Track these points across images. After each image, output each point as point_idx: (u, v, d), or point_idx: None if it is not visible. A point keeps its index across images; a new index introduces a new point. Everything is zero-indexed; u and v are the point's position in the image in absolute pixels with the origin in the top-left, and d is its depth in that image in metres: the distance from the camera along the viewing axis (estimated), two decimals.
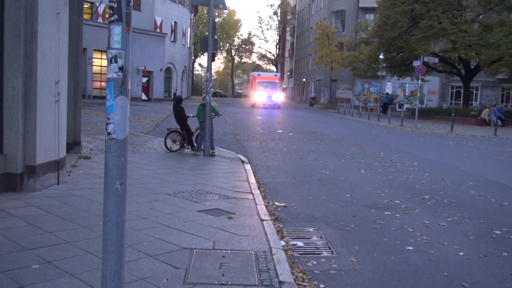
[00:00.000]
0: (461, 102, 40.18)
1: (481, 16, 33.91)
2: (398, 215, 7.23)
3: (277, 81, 47.36)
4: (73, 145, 10.49)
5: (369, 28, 43.07)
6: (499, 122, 29.24)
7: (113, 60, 2.28)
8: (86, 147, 12.02)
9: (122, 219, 2.39)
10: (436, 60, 32.53)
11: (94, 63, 33.97)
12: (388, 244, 5.86)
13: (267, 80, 45.90)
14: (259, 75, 48.72)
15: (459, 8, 33.23)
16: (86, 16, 31.19)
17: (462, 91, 40.18)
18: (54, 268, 4.33)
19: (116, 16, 2.25)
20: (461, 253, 5.62)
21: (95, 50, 33.16)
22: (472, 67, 35.58)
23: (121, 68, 2.29)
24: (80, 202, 6.77)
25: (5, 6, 6.81)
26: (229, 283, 4.21)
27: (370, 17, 48.36)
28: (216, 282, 4.21)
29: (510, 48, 29.14)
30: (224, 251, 5.02)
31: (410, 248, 5.74)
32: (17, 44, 6.86)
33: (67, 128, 8.61)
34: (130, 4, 2.27)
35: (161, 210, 6.60)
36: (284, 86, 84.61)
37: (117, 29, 2.27)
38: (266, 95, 43.86)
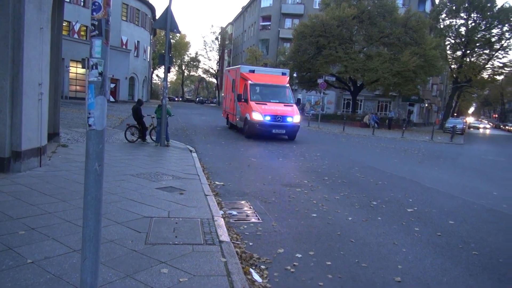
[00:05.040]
0: (350, 110, 41.88)
1: (365, 49, 35.39)
2: (306, 191, 7.44)
3: (286, 84, 18.17)
4: (53, 136, 9.83)
5: (286, 53, 43.71)
6: (376, 125, 30.87)
7: (94, 67, 2.16)
8: (64, 137, 11.31)
9: (100, 193, 2.28)
10: (334, 79, 33.73)
11: (70, 71, 32.05)
12: (299, 213, 6.02)
13: (269, 83, 17.60)
14: (252, 71, 18.01)
15: (350, 42, 34.52)
16: (64, 32, 29.27)
17: (351, 102, 41.82)
18: (38, 234, 4.06)
19: (97, 32, 2.13)
20: (350, 218, 5.88)
21: (71, 60, 31.18)
22: (358, 85, 37.12)
23: (100, 74, 2.18)
24: (59, 181, 6.38)
25: None
26: (181, 243, 4.15)
27: (287, 45, 49.04)
28: (170, 243, 4.13)
29: (385, 73, 30.70)
30: (177, 219, 4.93)
31: (315, 215, 5.93)
32: (6, 51, 6.33)
33: (48, 122, 8.06)
34: (109, 22, 2.16)
35: (126, 187, 6.36)
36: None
37: (97, 42, 2.15)
38: (272, 114, 15.92)
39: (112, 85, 36.69)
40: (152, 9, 47.59)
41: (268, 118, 15.51)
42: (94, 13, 2.11)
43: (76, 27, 33.23)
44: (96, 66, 2.16)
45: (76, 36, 33.25)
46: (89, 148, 2.25)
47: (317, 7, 46.81)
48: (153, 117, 12.26)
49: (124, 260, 3.62)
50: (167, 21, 11.51)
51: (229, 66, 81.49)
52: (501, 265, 4.46)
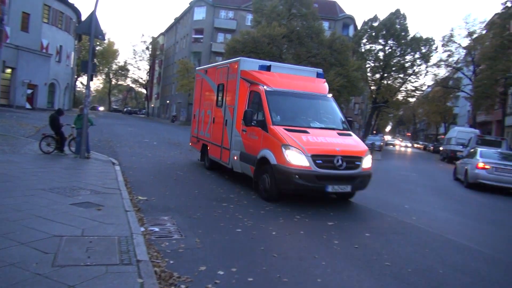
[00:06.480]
0: None
1: None
2: (232, 206, 7.36)
3: (326, 94, 9.57)
4: None
5: None
6: None
7: None
8: None
9: None
10: None
11: None
12: (224, 228, 5.93)
13: (300, 91, 9.04)
14: (267, 69, 9.08)
15: (280, 60, 35.58)
16: None
17: None
18: None
19: None
20: (274, 233, 5.92)
21: None
22: None
23: None
24: None
25: None
26: (94, 263, 3.85)
27: (219, 59, 49.33)
28: (82, 264, 3.81)
29: None
30: (91, 237, 4.58)
31: (239, 230, 5.88)
32: None
33: None
34: (3, 22, 1.93)
35: (36, 203, 5.79)
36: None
37: None
38: (326, 154, 7.58)
39: (29, 91, 33.81)
40: (77, 13, 45.04)
41: (319, 161, 7.51)
42: None
43: None
44: None
45: None
46: None
47: (249, 23, 47.92)
48: (73, 127, 11.47)
49: (25, 285, 3.26)
50: (92, 27, 10.93)
51: (160, 76, 79.82)
52: (410, 274, 4.76)
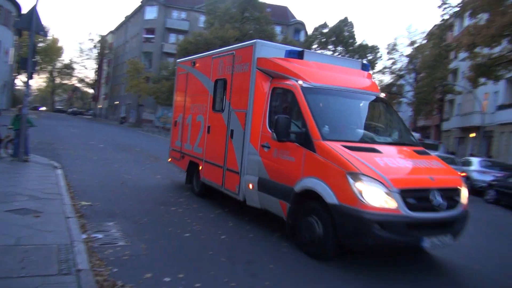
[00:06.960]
0: None
1: None
2: (180, 210, 7.23)
3: (380, 92, 6.83)
4: None
5: (169, 68, 43.06)
6: None
7: None
8: None
9: None
10: None
11: None
12: (172, 233, 5.80)
13: (347, 87, 6.26)
14: (299, 56, 6.22)
15: None
16: None
17: None
18: None
19: None
20: (223, 237, 5.87)
21: None
22: None
23: None
24: None
25: None
26: (29, 275, 3.60)
27: (171, 60, 48.45)
28: (15, 276, 3.56)
29: None
30: (27, 247, 4.29)
31: (188, 235, 5.78)
32: None
33: None
34: None
35: None
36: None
37: None
38: (419, 187, 4.92)
39: None
40: (17, 6, 42.21)
41: (410, 200, 4.75)
42: None
43: None
44: None
45: None
46: None
47: (202, 25, 47.44)
48: (10, 128, 10.71)
49: None
50: (32, 22, 10.29)
51: (109, 76, 76.77)
52: (356, 275, 4.93)
